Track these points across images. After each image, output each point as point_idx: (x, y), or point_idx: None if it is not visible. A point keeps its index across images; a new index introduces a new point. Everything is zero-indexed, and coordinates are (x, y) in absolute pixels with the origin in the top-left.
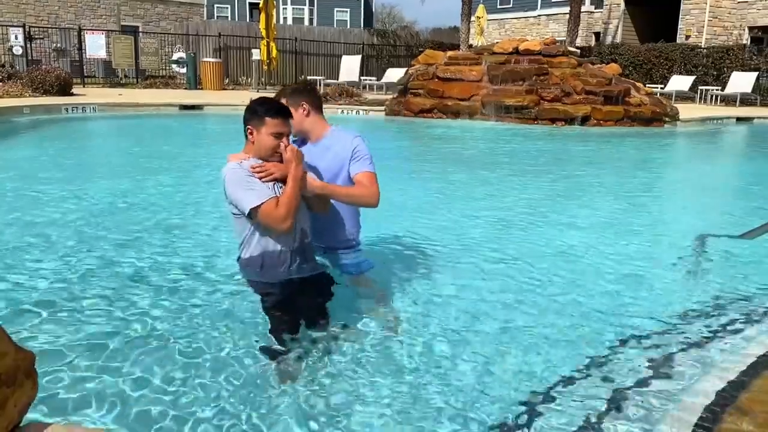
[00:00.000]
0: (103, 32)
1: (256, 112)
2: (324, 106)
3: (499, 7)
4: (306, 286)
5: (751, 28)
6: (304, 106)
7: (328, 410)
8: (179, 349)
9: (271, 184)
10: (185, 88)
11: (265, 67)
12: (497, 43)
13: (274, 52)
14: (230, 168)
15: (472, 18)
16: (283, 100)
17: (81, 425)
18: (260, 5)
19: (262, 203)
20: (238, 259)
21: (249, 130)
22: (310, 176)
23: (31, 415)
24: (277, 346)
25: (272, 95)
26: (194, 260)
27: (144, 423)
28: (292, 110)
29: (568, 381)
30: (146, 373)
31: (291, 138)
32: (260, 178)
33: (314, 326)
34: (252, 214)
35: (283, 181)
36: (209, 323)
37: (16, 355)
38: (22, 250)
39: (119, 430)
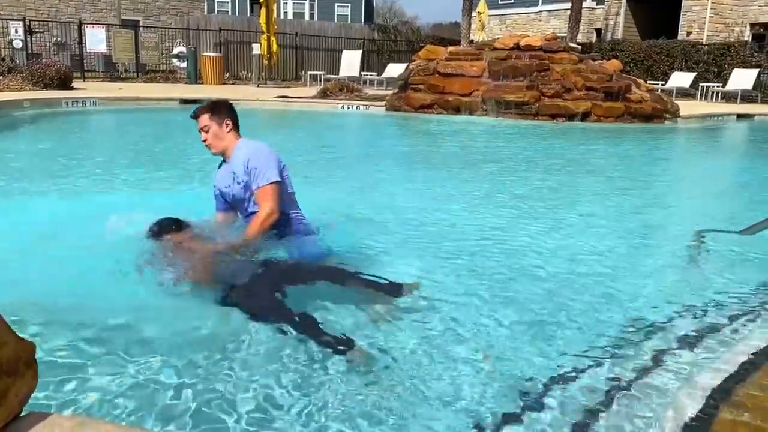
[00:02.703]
0: (104, 26)
1: (158, 238)
2: (325, 101)
3: (500, 2)
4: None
5: (752, 25)
6: (228, 123)
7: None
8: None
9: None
10: (185, 83)
11: (266, 62)
12: (498, 38)
13: (274, 47)
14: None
15: (473, 13)
16: (205, 115)
17: (82, 415)
18: (261, 0)
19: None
20: None
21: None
22: (213, 247)
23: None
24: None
25: (275, 90)
26: None
27: (143, 418)
28: (212, 123)
29: (564, 377)
30: (143, 364)
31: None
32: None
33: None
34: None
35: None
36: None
37: (16, 345)
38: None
39: (118, 420)
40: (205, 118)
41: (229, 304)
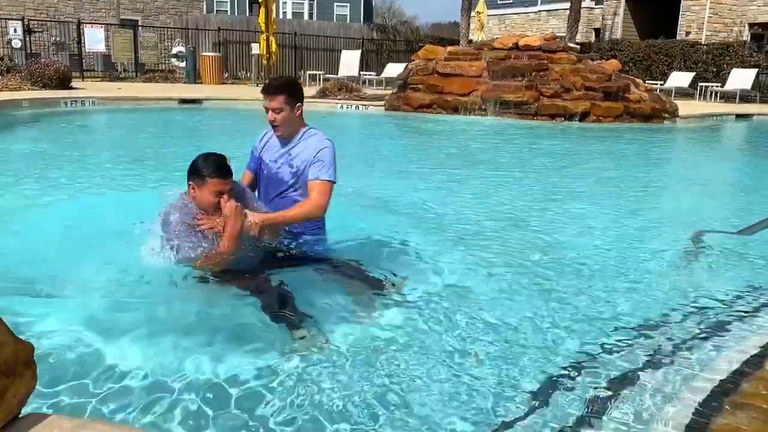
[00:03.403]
0: (103, 26)
1: (198, 171)
2: (324, 101)
3: (499, 2)
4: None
5: (751, 25)
6: (299, 107)
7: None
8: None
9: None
10: (184, 83)
11: (265, 62)
12: (497, 38)
13: (273, 47)
14: (161, 218)
15: (473, 13)
16: (282, 97)
17: (81, 416)
18: (260, 0)
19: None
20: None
21: (191, 186)
22: (251, 216)
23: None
24: None
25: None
26: None
27: (141, 417)
28: (287, 106)
29: (563, 377)
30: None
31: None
32: (202, 229)
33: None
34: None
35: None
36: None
37: (15, 345)
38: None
39: (119, 420)
40: (280, 100)
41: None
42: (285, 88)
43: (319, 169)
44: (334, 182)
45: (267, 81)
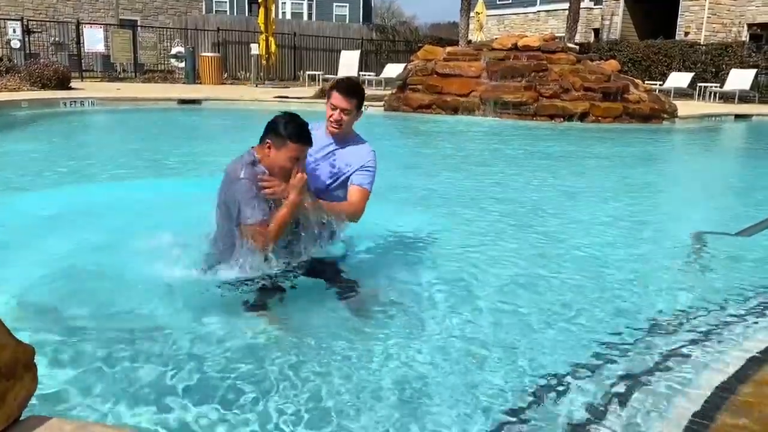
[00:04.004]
0: (102, 26)
1: (280, 131)
2: (323, 101)
3: (498, 2)
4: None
5: (750, 25)
6: (360, 113)
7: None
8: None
9: (269, 201)
10: (184, 83)
11: (264, 62)
12: (496, 39)
13: (272, 47)
14: (246, 176)
15: (472, 14)
16: (355, 101)
17: (80, 419)
18: (259, 0)
19: (254, 223)
20: (218, 249)
21: (267, 144)
22: (311, 200)
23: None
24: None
25: (274, 91)
26: None
27: (139, 417)
28: (355, 110)
29: (563, 378)
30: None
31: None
32: (262, 191)
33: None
34: (241, 227)
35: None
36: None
37: (15, 348)
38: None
39: (116, 423)
40: (354, 103)
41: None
42: (359, 94)
43: (363, 177)
44: (370, 192)
45: (339, 81)
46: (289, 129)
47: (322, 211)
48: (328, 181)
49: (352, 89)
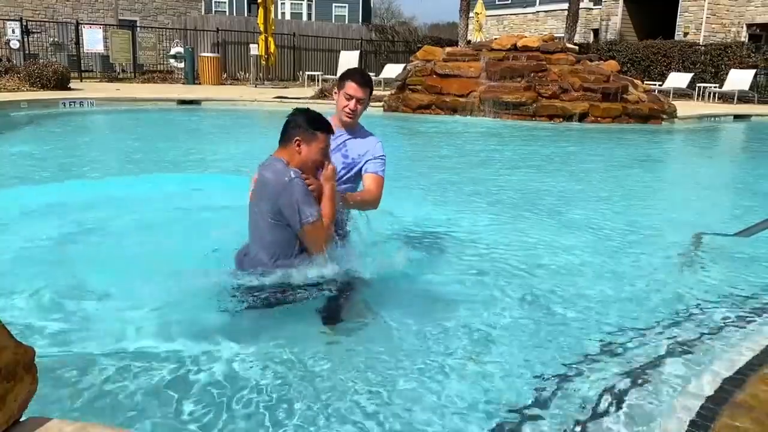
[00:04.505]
0: (101, 26)
1: (308, 125)
2: (322, 101)
3: (497, 3)
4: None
5: (749, 26)
6: (368, 104)
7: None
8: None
9: None
10: (183, 83)
11: (263, 62)
12: (496, 39)
13: (272, 47)
14: (297, 178)
15: (471, 14)
16: (368, 90)
17: (80, 420)
18: (258, 0)
19: (316, 220)
20: (267, 264)
21: (297, 142)
22: (338, 192)
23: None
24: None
25: (273, 91)
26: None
27: (141, 419)
28: (366, 103)
29: (564, 378)
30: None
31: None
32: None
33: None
34: (305, 228)
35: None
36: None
37: (16, 349)
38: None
39: (117, 425)
40: (367, 92)
41: None
42: (371, 84)
43: (377, 165)
44: (384, 178)
45: (351, 71)
46: (315, 121)
47: (347, 202)
48: (342, 172)
49: (366, 79)
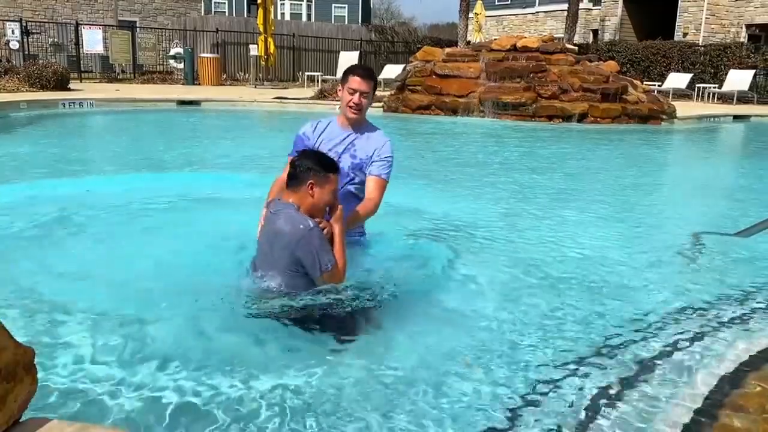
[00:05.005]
0: (100, 27)
1: (320, 168)
2: (322, 102)
3: (497, 3)
4: None
5: (748, 26)
6: (374, 97)
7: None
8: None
9: None
10: (183, 84)
11: (263, 63)
12: (495, 39)
13: (271, 48)
14: (316, 227)
15: (470, 14)
16: (372, 83)
17: (80, 421)
18: (258, 1)
19: (332, 267)
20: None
21: (310, 185)
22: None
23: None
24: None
25: (273, 91)
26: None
27: (143, 421)
28: (371, 96)
29: (562, 378)
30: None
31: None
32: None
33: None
34: (323, 275)
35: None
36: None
37: (15, 350)
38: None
39: (116, 426)
40: (371, 86)
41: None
42: (375, 77)
43: (382, 167)
44: (388, 183)
45: (354, 65)
46: (326, 164)
47: (353, 223)
48: (351, 174)
49: (369, 72)
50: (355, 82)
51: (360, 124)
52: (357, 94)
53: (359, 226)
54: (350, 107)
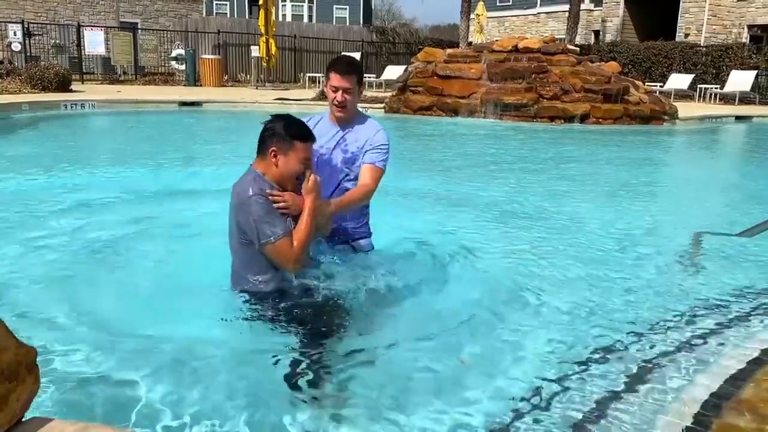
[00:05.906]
0: (102, 28)
1: (284, 134)
2: (323, 103)
3: (498, 4)
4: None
5: (750, 27)
6: (362, 91)
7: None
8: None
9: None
10: (184, 85)
11: (264, 64)
12: (497, 40)
13: (273, 49)
14: (257, 195)
15: (472, 15)
16: (355, 77)
17: (82, 421)
18: (260, 2)
19: (276, 240)
20: (248, 290)
21: (273, 153)
22: (323, 202)
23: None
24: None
25: (274, 93)
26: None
27: (146, 421)
28: (356, 87)
29: (563, 378)
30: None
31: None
32: (279, 206)
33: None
34: (264, 248)
35: (295, 215)
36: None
37: (17, 349)
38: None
39: (121, 426)
40: (353, 80)
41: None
42: (357, 69)
43: (375, 155)
44: (384, 171)
45: (335, 60)
46: (292, 129)
47: (343, 207)
48: (345, 169)
49: (350, 65)
50: (335, 79)
51: (350, 118)
52: (339, 92)
53: (366, 226)
54: (335, 105)
